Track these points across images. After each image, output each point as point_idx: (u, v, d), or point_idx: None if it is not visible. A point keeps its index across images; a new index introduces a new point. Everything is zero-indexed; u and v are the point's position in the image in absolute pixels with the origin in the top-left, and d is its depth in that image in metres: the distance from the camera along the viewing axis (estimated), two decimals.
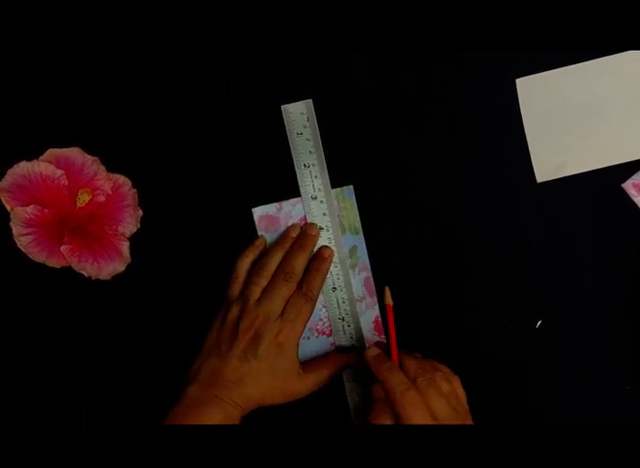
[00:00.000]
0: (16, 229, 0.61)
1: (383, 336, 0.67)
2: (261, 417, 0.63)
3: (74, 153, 0.63)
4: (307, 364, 0.65)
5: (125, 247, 0.64)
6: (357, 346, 0.67)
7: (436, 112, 0.66)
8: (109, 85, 0.67)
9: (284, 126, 0.67)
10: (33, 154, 0.62)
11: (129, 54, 0.66)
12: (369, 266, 0.68)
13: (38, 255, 0.62)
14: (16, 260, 0.62)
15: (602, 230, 0.66)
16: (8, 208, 0.61)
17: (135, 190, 0.65)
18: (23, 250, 0.61)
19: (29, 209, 0.61)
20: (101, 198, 0.63)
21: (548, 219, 0.66)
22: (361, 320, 0.68)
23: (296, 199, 0.67)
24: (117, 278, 0.64)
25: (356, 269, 0.68)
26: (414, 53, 0.66)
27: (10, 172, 0.61)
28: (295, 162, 0.67)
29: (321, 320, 0.68)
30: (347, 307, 0.67)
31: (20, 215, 0.61)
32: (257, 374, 0.62)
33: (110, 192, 0.64)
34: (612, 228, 0.66)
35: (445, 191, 0.66)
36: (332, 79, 0.66)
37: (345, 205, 0.67)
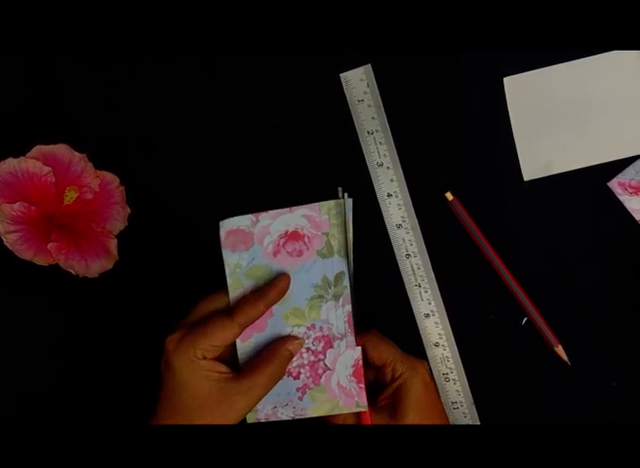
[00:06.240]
0: (2, 226, 0.61)
1: (362, 385, 0.60)
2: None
3: (62, 150, 0.62)
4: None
5: (113, 244, 0.64)
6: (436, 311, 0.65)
7: (423, 111, 0.67)
8: (99, 81, 0.66)
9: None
10: (20, 151, 0.61)
11: (121, 51, 0.66)
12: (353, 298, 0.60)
13: (25, 253, 0.61)
14: (2, 258, 0.62)
15: (588, 228, 0.66)
16: None
17: (122, 188, 0.64)
18: (10, 247, 0.61)
19: (16, 206, 0.61)
20: (89, 195, 0.63)
21: (535, 217, 0.67)
22: (338, 362, 0.60)
23: (277, 211, 0.59)
24: (105, 276, 0.64)
25: (340, 301, 0.60)
26: (400, 52, 0.66)
27: None
28: (357, 129, 0.65)
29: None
30: (423, 273, 0.65)
31: (7, 213, 0.61)
32: None
33: (98, 189, 0.63)
34: (598, 226, 0.66)
35: (432, 189, 0.67)
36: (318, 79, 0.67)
37: (338, 221, 0.59)
